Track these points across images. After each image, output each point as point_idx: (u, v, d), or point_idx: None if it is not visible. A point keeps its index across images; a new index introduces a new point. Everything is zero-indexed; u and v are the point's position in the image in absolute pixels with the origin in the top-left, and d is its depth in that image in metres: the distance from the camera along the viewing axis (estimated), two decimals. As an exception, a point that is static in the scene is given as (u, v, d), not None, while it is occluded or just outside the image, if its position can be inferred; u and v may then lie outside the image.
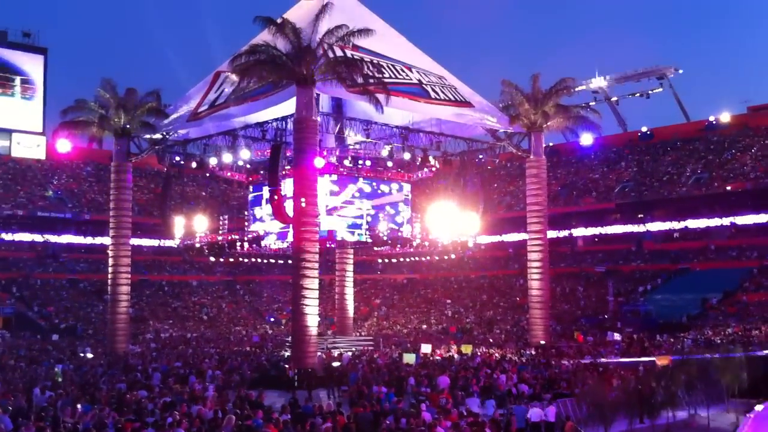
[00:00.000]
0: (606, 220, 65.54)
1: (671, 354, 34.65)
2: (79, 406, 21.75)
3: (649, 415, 23.93)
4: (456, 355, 39.65)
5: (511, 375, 29.11)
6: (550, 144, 65.20)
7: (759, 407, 22.18)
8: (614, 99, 77.30)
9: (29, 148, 73.19)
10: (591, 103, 71.33)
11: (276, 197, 38.01)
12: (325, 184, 44.01)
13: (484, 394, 26.28)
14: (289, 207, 38.09)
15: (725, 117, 67.88)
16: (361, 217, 46.59)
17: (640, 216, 63.74)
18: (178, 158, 46.24)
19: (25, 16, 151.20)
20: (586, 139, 70.39)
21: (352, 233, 46.43)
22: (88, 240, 67.72)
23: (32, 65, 75.04)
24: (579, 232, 66.97)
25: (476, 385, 27.27)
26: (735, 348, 30.94)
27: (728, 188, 59.17)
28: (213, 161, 45.48)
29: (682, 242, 61.60)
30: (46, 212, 67.40)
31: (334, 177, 45.88)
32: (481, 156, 48.15)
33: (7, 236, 64.69)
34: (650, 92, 75.60)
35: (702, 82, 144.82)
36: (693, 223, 60.12)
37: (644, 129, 73.00)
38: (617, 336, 45.99)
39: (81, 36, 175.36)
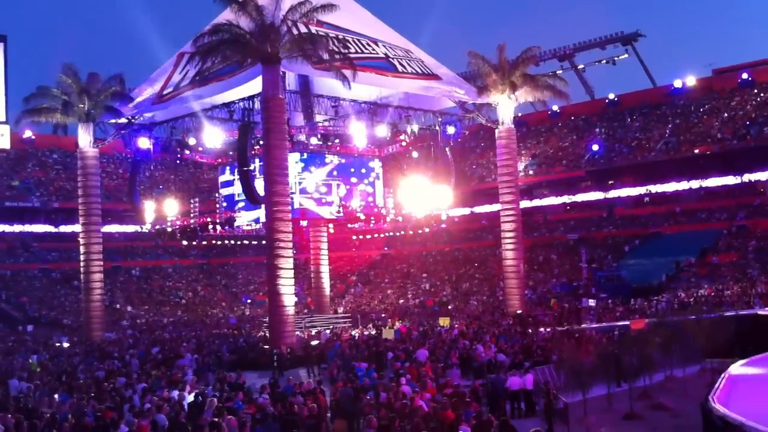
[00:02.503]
0: (577, 188, 65.94)
1: (646, 317, 35.10)
2: (56, 395, 21.60)
3: (626, 379, 24.23)
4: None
5: (489, 345, 29.29)
6: (519, 114, 65.30)
7: (734, 366, 22.50)
8: (580, 67, 77.41)
9: (-8, 137, 71.84)
10: (558, 72, 71.48)
11: (246, 178, 37.74)
12: (295, 163, 43.77)
13: (464, 366, 26.49)
14: (259, 187, 37.87)
15: (690, 81, 68.30)
16: (333, 194, 46.44)
17: (610, 182, 64.23)
18: (144, 142, 45.68)
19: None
20: (554, 108, 71.12)
21: (325, 211, 46.30)
22: (59, 228, 66.93)
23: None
24: (550, 201, 67.37)
25: (455, 356, 27.44)
26: (708, 309, 31.35)
27: (696, 152, 59.70)
28: (180, 144, 45.05)
29: (652, 207, 62.14)
30: (14, 202, 66.53)
31: (305, 155, 45.66)
32: (450, 128, 48.11)
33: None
34: (616, 59, 75.78)
35: (666, 47, 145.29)
36: (662, 188, 60.64)
37: (611, 96, 73.30)
38: (592, 302, 46.49)
39: (40, 22, 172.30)
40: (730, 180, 56.99)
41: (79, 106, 44.27)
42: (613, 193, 63.69)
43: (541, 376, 23.54)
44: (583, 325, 37.65)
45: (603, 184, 64.41)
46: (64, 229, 65.81)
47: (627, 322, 34.19)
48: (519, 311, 44.15)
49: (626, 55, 74.99)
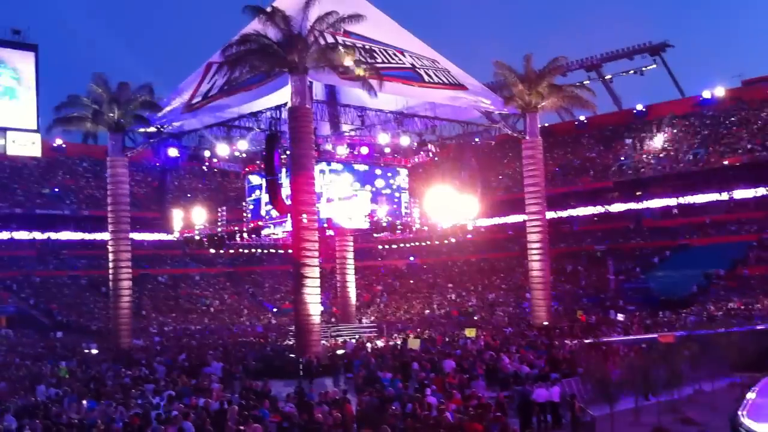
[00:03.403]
0: (604, 199, 65.47)
1: (674, 330, 34.73)
2: (84, 402, 21.79)
3: (654, 392, 23.98)
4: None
5: (514, 356, 29.14)
6: (546, 124, 65.00)
7: (763, 381, 22.23)
8: (608, 77, 76.99)
9: (24, 146, 72.89)
10: (585, 82, 71.19)
11: (273, 187, 37.89)
12: (321, 172, 43.86)
13: (489, 377, 26.38)
14: (286, 196, 38.00)
15: (720, 91, 67.60)
16: (359, 203, 46.45)
17: (638, 193, 63.69)
18: (173, 151, 46.00)
19: (13, 14, 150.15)
20: (582, 118, 70.77)
21: (351, 220, 46.31)
22: (88, 236, 67.58)
23: (23, 62, 74.66)
24: (577, 211, 66.91)
25: (480, 368, 27.34)
26: (738, 322, 30.96)
27: (725, 163, 59.08)
28: (208, 153, 45.39)
29: (681, 218, 61.51)
30: (44, 209, 67.35)
31: (331, 165, 45.75)
32: (477, 139, 48.08)
33: (6, 235, 64.81)
34: (644, 69, 75.29)
35: (695, 57, 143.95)
36: (691, 199, 60.08)
37: (639, 106, 72.77)
38: (621, 317, 45.91)
39: (71, 31, 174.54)
40: (761, 191, 56.30)
41: (109, 115, 44.70)
42: (641, 205, 63.14)
43: (567, 388, 23.37)
44: (611, 338, 37.28)
45: (631, 195, 63.90)
46: (94, 236, 66.43)
47: (655, 335, 33.85)
48: (545, 323, 43.86)
49: (654, 66, 74.48)
